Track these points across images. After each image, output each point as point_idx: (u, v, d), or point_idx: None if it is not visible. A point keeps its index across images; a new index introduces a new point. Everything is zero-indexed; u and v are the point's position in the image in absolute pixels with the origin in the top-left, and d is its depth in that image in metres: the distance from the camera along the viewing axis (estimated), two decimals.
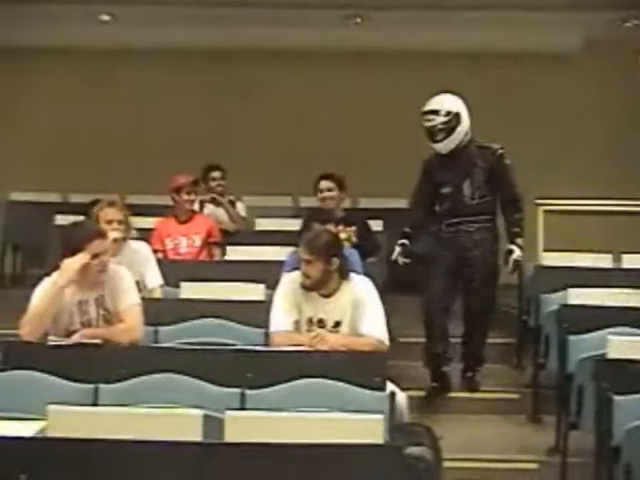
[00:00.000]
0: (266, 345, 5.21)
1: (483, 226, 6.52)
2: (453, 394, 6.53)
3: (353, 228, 6.99)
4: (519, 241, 6.49)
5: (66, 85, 10.42)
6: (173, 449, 3.37)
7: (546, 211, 8.10)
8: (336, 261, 5.20)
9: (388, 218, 7.95)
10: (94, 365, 4.58)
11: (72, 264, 4.91)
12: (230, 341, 5.23)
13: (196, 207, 7.85)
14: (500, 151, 6.56)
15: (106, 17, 10.10)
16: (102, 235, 5.13)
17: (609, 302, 5.90)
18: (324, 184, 7.31)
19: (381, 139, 9.90)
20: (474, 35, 9.80)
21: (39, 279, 5.09)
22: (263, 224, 8.32)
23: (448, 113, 6.47)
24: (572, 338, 5.55)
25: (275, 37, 9.92)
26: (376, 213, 8.14)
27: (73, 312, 5.04)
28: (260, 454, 3.37)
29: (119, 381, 4.45)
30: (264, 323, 5.26)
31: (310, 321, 5.20)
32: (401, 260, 6.56)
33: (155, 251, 6.62)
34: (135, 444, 3.38)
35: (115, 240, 5.67)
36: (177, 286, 6.17)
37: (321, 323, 5.18)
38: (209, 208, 8.26)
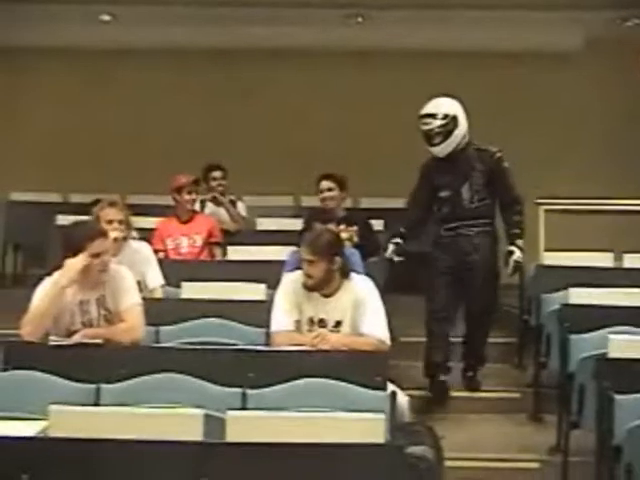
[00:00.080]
0: (267, 345, 5.21)
1: (482, 230, 6.49)
2: (454, 393, 6.53)
3: (355, 228, 6.99)
4: (519, 242, 6.46)
5: (67, 85, 10.42)
6: (174, 449, 3.37)
7: (547, 210, 8.08)
8: (338, 260, 5.20)
9: (389, 218, 7.94)
10: (95, 365, 4.58)
11: (74, 264, 4.92)
12: (231, 341, 5.23)
13: (197, 207, 7.86)
14: (498, 154, 6.54)
15: (106, 17, 10.10)
16: (103, 235, 5.13)
17: (610, 301, 5.89)
18: (324, 184, 7.30)
19: (382, 139, 9.90)
20: (475, 34, 9.81)
21: (40, 279, 5.09)
22: (264, 224, 8.32)
23: (445, 116, 6.44)
24: (573, 337, 5.54)
25: (275, 37, 9.92)
26: (377, 213, 8.14)
27: (74, 312, 5.04)
28: (261, 454, 3.38)
29: (120, 381, 4.45)
30: (265, 323, 5.26)
31: (311, 321, 5.20)
32: (396, 258, 6.55)
33: (156, 251, 6.62)
34: (137, 444, 3.38)
35: (115, 240, 5.67)
36: (178, 286, 6.17)
37: (322, 323, 5.18)
38: (210, 208, 8.26)
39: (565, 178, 9.33)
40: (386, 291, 5.87)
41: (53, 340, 4.89)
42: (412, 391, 5.45)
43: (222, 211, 8.27)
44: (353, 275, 5.30)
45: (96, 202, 6.09)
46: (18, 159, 10.13)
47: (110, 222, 5.80)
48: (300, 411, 4.02)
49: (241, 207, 8.49)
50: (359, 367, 4.58)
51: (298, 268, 5.33)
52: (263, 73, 10.20)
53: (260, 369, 4.56)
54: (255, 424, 3.65)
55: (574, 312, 5.79)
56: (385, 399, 4.34)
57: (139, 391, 4.39)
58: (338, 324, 5.17)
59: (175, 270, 6.38)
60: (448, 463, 4.52)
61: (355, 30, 10.09)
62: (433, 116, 6.46)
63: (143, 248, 6.16)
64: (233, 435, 3.55)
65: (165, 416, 3.73)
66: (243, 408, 4.29)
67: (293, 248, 6.19)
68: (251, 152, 9.97)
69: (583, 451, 5.10)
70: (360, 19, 10.07)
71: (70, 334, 4.95)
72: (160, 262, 6.23)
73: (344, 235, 6.43)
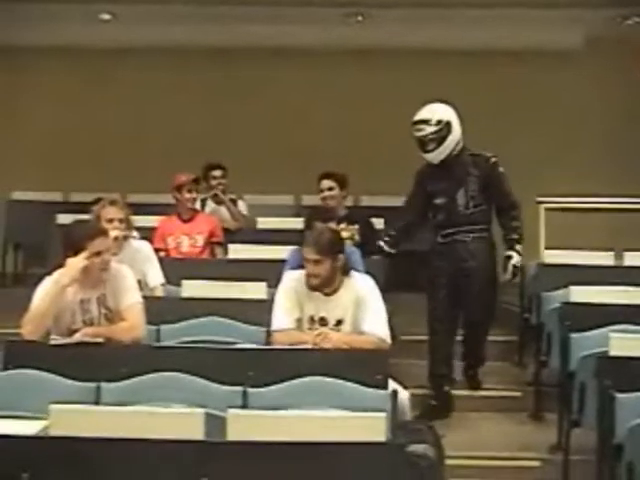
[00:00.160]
0: (268, 343, 5.21)
1: (479, 236, 6.44)
2: (455, 392, 6.52)
3: (356, 226, 6.99)
4: (518, 247, 6.43)
5: (67, 84, 10.42)
6: (175, 448, 3.37)
7: (547, 209, 8.08)
8: (342, 257, 5.21)
9: (390, 216, 7.92)
10: (96, 364, 4.58)
11: (75, 263, 4.91)
12: (232, 340, 5.23)
13: (197, 205, 7.85)
14: (493, 159, 6.49)
15: (106, 16, 10.09)
16: (104, 234, 5.13)
17: (611, 300, 5.90)
18: (325, 183, 7.30)
19: (383, 137, 9.88)
20: (475, 33, 9.79)
21: (40, 278, 5.09)
22: (265, 223, 8.31)
23: (439, 122, 6.40)
24: (574, 336, 5.54)
25: (276, 35, 9.91)
26: (378, 211, 8.13)
27: (75, 311, 5.04)
28: (262, 452, 3.38)
29: (121, 380, 4.45)
30: (266, 322, 5.26)
31: (312, 319, 5.20)
32: (387, 248, 6.57)
33: (157, 250, 6.62)
34: (137, 443, 3.38)
35: (115, 238, 5.67)
36: (179, 285, 6.16)
37: (323, 321, 5.18)
38: (211, 206, 8.26)
39: (565, 176, 9.31)
40: (387, 289, 5.86)
41: (54, 339, 4.89)
42: (413, 389, 5.44)
43: (223, 209, 8.26)
44: (354, 273, 5.30)
45: (97, 201, 6.10)
46: (18, 158, 10.13)
47: (110, 221, 5.80)
48: (301, 410, 4.02)
49: (242, 206, 8.49)
50: (360, 366, 4.58)
51: (299, 267, 5.33)
52: (263, 72, 10.19)
53: (261, 368, 4.56)
54: (256, 423, 3.65)
55: (575, 310, 5.79)
56: (386, 398, 4.34)
57: (140, 390, 4.39)
58: (339, 322, 5.17)
59: (176, 269, 6.38)
60: (449, 461, 4.53)
61: (355, 29, 10.08)
62: (426, 122, 6.42)
63: (144, 247, 6.16)
64: (234, 434, 3.55)
65: (166, 415, 3.73)
66: (244, 407, 4.29)
67: (294, 247, 6.19)
68: (251, 151, 9.96)
69: (584, 450, 5.10)
70: (360, 18, 10.06)
71: (71, 333, 4.94)
72: (161, 260, 6.24)
73: (345, 234, 6.42)
